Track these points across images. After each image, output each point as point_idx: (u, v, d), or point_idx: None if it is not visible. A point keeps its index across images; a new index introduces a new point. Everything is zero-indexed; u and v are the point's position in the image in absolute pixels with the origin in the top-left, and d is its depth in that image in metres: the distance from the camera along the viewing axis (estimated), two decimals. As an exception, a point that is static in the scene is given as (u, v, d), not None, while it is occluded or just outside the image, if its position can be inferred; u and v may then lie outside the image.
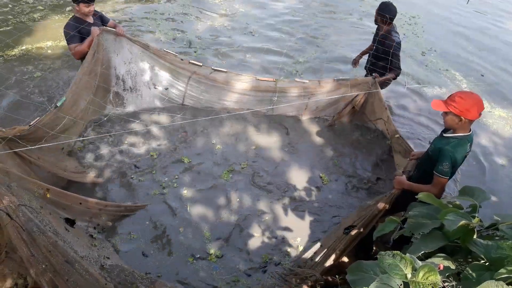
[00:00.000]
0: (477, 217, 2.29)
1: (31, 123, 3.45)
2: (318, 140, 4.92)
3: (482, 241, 2.16)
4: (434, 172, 2.96)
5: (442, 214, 2.35)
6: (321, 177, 4.40)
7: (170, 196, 4.01)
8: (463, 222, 2.17)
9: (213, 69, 4.74)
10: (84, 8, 4.15)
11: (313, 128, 5.06)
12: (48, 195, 3.20)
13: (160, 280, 3.23)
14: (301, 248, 3.69)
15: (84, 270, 2.93)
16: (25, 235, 2.94)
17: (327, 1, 9.36)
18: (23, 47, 6.08)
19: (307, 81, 4.82)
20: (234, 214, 3.93)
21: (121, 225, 3.68)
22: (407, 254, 1.83)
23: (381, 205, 3.24)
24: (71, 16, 4.39)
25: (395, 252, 1.76)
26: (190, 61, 4.74)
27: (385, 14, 4.45)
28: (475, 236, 2.22)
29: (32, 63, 5.74)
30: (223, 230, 3.78)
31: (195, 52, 6.53)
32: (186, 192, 4.07)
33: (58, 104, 3.71)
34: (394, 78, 4.80)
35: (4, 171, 3.06)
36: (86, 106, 4.30)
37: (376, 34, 4.81)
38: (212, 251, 3.57)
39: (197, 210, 3.92)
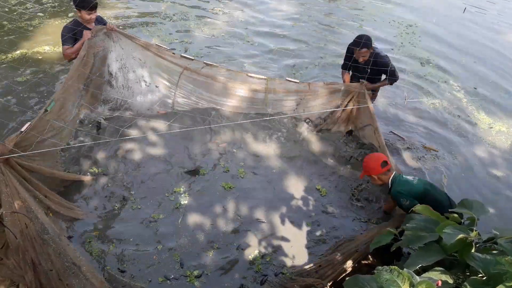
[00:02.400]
0: (476, 230, 2.28)
1: (23, 129, 3.36)
2: (315, 148, 4.91)
3: (480, 255, 2.15)
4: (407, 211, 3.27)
5: (440, 227, 2.34)
6: (318, 189, 4.38)
7: (165, 204, 3.99)
8: (461, 235, 2.16)
9: (204, 63, 4.69)
10: (85, 15, 4.18)
11: (310, 136, 5.05)
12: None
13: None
14: (298, 259, 3.67)
15: (90, 274, 2.96)
16: (37, 238, 3.02)
17: (328, 10, 9.41)
18: (20, 51, 6.05)
19: (298, 81, 4.86)
20: (230, 223, 3.90)
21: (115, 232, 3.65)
22: (405, 269, 1.82)
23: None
24: (72, 19, 4.41)
25: (392, 267, 1.75)
26: (181, 55, 4.71)
27: (367, 43, 4.49)
28: (473, 250, 2.21)
29: (28, 67, 5.71)
30: (218, 239, 3.75)
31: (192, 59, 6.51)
32: (182, 199, 4.04)
33: (48, 108, 3.64)
34: (391, 84, 4.90)
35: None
36: (76, 109, 4.31)
37: (355, 61, 4.78)
38: (208, 259, 3.54)
39: (192, 219, 3.89)
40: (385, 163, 3.49)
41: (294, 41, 7.62)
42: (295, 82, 4.82)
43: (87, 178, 4.07)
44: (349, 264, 3.30)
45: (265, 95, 4.93)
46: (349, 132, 5.12)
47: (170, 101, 5.04)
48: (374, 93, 5.16)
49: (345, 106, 4.82)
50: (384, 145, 4.17)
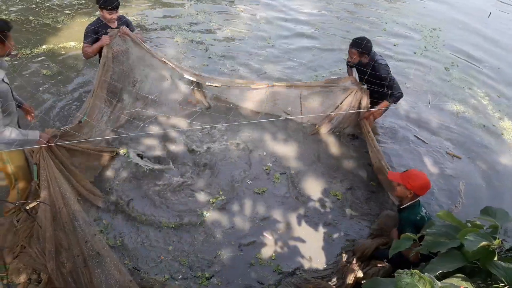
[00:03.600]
0: (498, 238, 2.23)
1: (62, 128, 3.66)
2: (332, 150, 4.89)
3: (503, 263, 2.10)
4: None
5: (461, 233, 2.29)
6: (334, 193, 4.35)
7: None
8: (484, 243, 2.12)
9: (207, 84, 4.78)
10: (107, 14, 4.27)
11: (326, 138, 5.03)
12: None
13: (171, 283, 3.23)
14: (314, 260, 3.66)
15: (113, 265, 3.02)
16: (68, 223, 3.19)
17: (351, 9, 9.35)
18: (47, 46, 6.23)
19: (299, 83, 4.88)
20: (247, 221, 3.92)
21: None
22: (425, 274, 1.80)
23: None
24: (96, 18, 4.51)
25: (413, 270, 1.73)
26: (185, 75, 4.71)
27: (367, 47, 4.29)
28: (495, 258, 2.16)
29: (54, 62, 5.87)
30: (234, 236, 3.78)
31: (209, 57, 6.60)
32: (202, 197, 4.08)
33: (82, 120, 3.85)
34: (396, 101, 4.55)
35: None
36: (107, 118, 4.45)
37: (359, 67, 4.57)
38: (223, 256, 3.56)
39: (210, 216, 3.93)
40: (425, 191, 3.33)
41: (316, 41, 7.60)
42: (297, 84, 4.85)
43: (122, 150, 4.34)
44: (364, 269, 3.28)
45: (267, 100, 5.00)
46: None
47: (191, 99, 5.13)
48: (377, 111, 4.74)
49: (344, 105, 4.71)
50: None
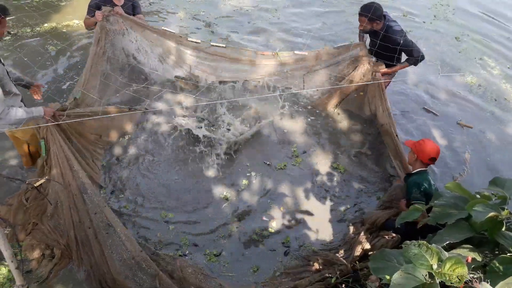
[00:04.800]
0: (507, 209, 2.22)
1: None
2: (338, 125, 4.84)
3: (511, 233, 2.10)
4: (410, 200, 3.25)
5: (469, 204, 2.28)
6: (337, 166, 4.34)
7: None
8: (492, 213, 2.11)
9: (212, 44, 4.65)
10: None
11: (333, 113, 4.98)
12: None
13: (182, 258, 3.29)
14: (321, 233, 3.70)
15: (124, 235, 3.07)
16: (78, 195, 3.25)
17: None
18: (50, 24, 6.16)
19: (306, 53, 4.66)
20: (255, 195, 3.95)
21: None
22: (433, 244, 1.80)
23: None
24: None
25: (420, 242, 1.73)
26: (188, 38, 4.64)
27: (376, 13, 4.08)
28: (503, 229, 2.16)
29: (58, 39, 5.82)
30: (243, 210, 3.82)
31: (212, 32, 6.48)
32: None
33: (77, 96, 3.81)
34: (414, 65, 4.36)
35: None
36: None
37: (373, 34, 4.37)
38: (234, 228, 3.62)
39: (217, 189, 3.95)
40: (433, 159, 3.40)
41: (323, 15, 7.41)
42: (303, 54, 4.66)
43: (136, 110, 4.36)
44: (372, 241, 3.30)
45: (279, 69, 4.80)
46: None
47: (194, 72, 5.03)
48: (388, 76, 4.59)
49: (353, 77, 4.52)
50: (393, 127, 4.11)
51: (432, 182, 3.36)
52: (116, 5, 4.35)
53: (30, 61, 4.77)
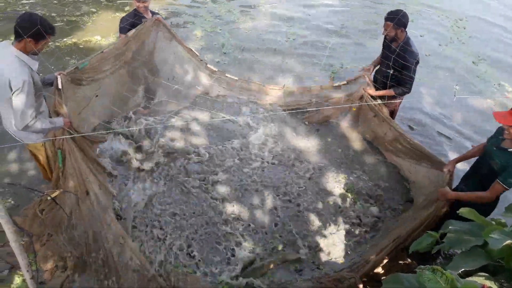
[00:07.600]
0: (524, 237, 2.18)
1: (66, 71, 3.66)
2: (352, 145, 4.85)
3: (528, 263, 2.06)
4: (498, 180, 2.94)
5: (486, 231, 2.25)
6: (349, 188, 4.31)
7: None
8: (508, 241, 2.08)
9: (226, 76, 5.00)
10: (136, 2, 4.42)
11: (348, 133, 4.99)
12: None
13: (193, 275, 3.28)
14: (333, 254, 3.66)
15: (133, 253, 3.10)
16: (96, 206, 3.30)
17: (372, 4, 9.20)
18: (72, 40, 6.37)
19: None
20: (267, 215, 3.95)
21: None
22: (448, 270, 1.78)
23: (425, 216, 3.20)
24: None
25: (435, 267, 1.71)
26: (207, 65, 4.91)
27: (402, 20, 4.11)
28: (521, 257, 2.12)
29: (79, 54, 6.00)
30: (254, 230, 3.81)
31: (224, 53, 6.60)
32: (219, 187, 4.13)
33: (80, 67, 3.78)
34: (401, 95, 4.37)
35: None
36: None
37: (388, 46, 4.41)
38: (248, 245, 3.61)
39: (230, 209, 3.96)
40: None
41: (337, 36, 7.51)
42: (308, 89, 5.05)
43: None
44: (384, 261, 3.25)
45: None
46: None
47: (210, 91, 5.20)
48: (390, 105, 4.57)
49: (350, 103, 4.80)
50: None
51: None
52: (145, 18, 4.47)
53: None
